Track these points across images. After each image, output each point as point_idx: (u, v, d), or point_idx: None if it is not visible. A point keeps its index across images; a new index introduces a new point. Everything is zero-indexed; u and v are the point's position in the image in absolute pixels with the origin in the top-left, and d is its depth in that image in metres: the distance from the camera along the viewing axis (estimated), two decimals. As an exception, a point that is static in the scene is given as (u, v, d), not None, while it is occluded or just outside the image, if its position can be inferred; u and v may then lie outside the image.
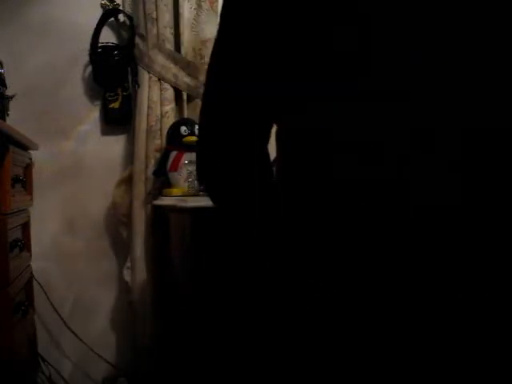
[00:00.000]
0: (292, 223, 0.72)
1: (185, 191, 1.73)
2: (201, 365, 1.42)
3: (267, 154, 0.78)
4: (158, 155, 1.86)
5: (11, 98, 1.73)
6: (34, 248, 1.83)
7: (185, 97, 1.93)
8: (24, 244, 1.62)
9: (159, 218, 1.87)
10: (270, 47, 0.70)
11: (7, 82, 1.70)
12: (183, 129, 1.81)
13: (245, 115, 0.74)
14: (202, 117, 0.78)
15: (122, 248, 1.99)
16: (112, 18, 1.96)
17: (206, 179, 0.81)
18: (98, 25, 1.92)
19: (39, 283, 1.87)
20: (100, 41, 1.92)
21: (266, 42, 0.70)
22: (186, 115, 1.93)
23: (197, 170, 0.82)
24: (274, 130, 0.79)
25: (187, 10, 1.93)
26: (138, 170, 1.88)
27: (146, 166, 1.87)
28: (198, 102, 1.94)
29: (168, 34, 1.88)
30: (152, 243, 1.89)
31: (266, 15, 0.70)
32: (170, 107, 1.89)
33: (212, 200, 0.81)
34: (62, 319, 1.93)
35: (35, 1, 1.92)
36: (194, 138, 1.76)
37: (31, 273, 1.81)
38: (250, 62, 0.72)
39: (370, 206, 0.64)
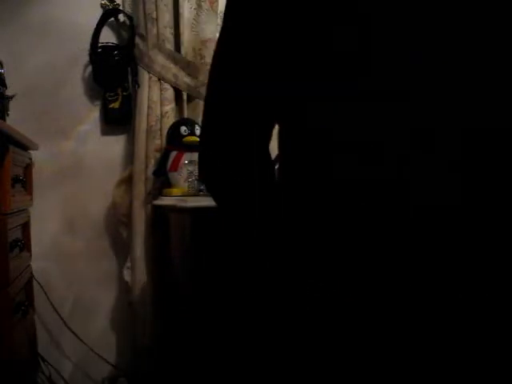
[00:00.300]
0: (292, 223, 0.72)
1: (185, 191, 1.73)
2: (201, 365, 1.42)
3: (269, 154, 0.78)
4: (158, 155, 1.86)
5: (11, 97, 1.73)
6: (34, 248, 1.83)
7: (185, 97, 1.93)
8: (24, 244, 1.62)
9: (159, 218, 1.87)
10: (270, 47, 0.70)
11: (7, 82, 1.70)
12: (183, 129, 1.81)
13: (246, 115, 0.74)
14: (204, 117, 0.78)
15: (122, 248, 1.99)
16: (112, 18, 1.96)
17: (206, 179, 0.81)
18: (98, 25, 1.92)
19: (39, 283, 1.87)
20: (100, 41, 1.92)
21: (267, 42, 0.70)
22: (186, 115, 1.93)
23: (198, 169, 0.82)
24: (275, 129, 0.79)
25: (187, 10, 1.93)
26: (138, 170, 1.88)
27: (146, 166, 1.87)
28: (198, 102, 1.95)
29: (168, 34, 1.88)
30: (152, 243, 1.89)
31: (267, 16, 0.70)
32: (170, 107, 1.89)
33: (214, 199, 0.82)
34: (62, 319, 1.93)
35: (35, 1, 1.93)
36: (194, 138, 1.76)
37: (31, 273, 1.81)
38: (251, 63, 0.72)
39: (370, 206, 0.64)
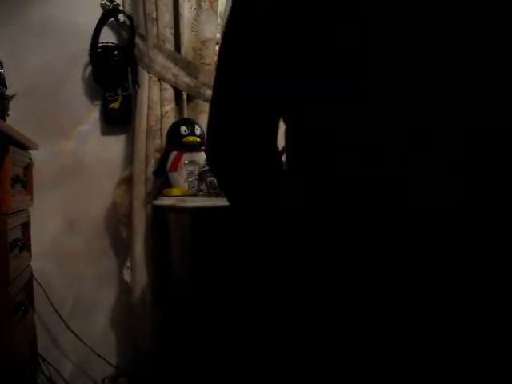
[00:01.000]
0: (292, 223, 0.72)
1: (185, 191, 1.73)
2: (201, 365, 1.42)
3: (273, 153, 0.78)
4: (158, 155, 1.86)
5: (11, 97, 1.73)
6: (34, 248, 1.83)
7: (185, 97, 1.93)
8: (24, 244, 1.62)
9: (159, 218, 1.87)
10: (272, 48, 0.70)
11: (7, 82, 1.70)
12: (183, 129, 1.81)
13: (249, 115, 0.75)
14: (209, 117, 0.79)
15: (122, 248, 1.99)
16: (112, 18, 1.96)
17: (216, 177, 0.82)
18: (98, 25, 1.92)
19: (39, 283, 1.87)
20: (100, 41, 1.92)
21: (268, 42, 0.71)
22: (185, 115, 1.93)
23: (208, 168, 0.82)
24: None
25: (187, 10, 1.93)
26: (138, 170, 1.88)
27: (146, 166, 1.87)
28: (198, 102, 1.95)
29: (168, 34, 1.88)
30: (152, 243, 1.89)
31: (268, 17, 0.70)
32: (169, 107, 1.89)
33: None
34: (62, 319, 1.93)
35: (35, 1, 1.92)
36: (193, 138, 1.76)
37: (31, 273, 1.81)
38: (253, 63, 0.72)
39: (370, 206, 0.64)
